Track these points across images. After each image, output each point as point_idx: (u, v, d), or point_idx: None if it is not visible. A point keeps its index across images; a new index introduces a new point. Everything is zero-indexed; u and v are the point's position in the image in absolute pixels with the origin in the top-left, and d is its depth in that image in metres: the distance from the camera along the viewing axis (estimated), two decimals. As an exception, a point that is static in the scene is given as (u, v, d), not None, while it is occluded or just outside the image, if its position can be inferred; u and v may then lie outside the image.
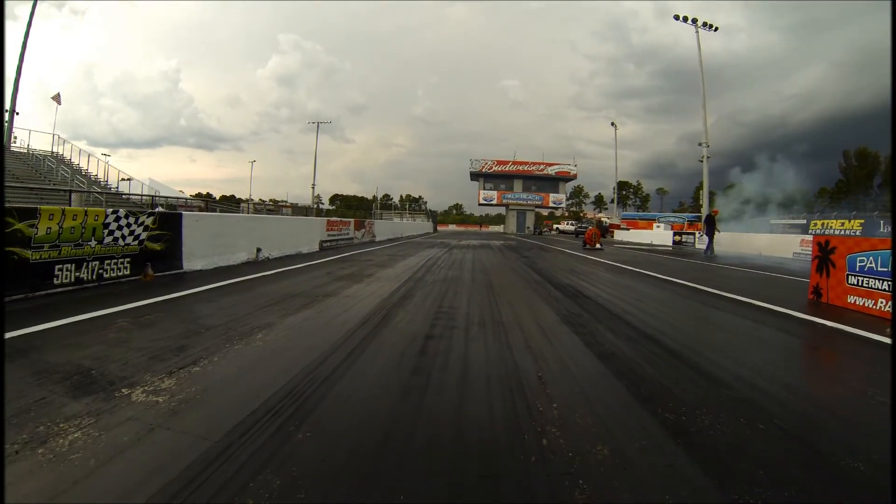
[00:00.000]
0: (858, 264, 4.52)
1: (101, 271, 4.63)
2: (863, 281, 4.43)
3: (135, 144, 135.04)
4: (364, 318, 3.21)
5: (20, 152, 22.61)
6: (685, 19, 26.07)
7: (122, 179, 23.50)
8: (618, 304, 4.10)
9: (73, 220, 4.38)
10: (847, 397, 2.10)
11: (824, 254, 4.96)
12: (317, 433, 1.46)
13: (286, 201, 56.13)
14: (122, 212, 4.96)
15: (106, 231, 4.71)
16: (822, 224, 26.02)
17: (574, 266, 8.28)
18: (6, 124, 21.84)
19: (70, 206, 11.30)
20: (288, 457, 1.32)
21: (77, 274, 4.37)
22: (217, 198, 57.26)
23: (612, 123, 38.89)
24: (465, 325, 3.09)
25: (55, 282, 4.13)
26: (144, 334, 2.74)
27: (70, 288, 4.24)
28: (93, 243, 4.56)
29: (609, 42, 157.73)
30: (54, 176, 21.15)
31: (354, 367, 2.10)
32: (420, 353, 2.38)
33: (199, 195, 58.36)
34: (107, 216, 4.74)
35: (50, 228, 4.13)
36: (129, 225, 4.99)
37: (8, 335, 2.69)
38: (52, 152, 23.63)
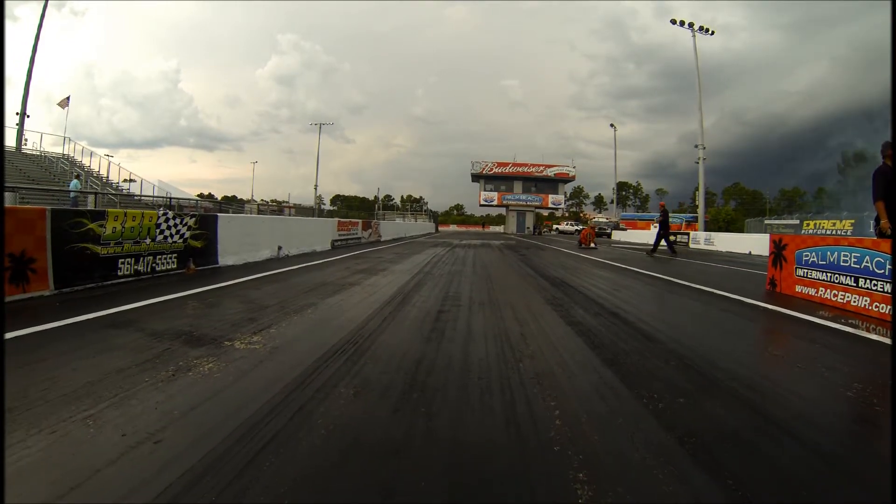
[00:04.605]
0: (804, 258, 5.27)
1: (154, 265, 5.39)
2: (808, 273, 5.18)
3: (135, 145, 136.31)
4: (388, 299, 4.01)
5: (34, 154, 23.35)
6: (682, 23, 26.66)
7: (132, 181, 24.18)
8: (595, 292, 4.89)
9: (133, 220, 5.15)
10: (750, 351, 2.87)
11: (778, 250, 5.72)
12: (373, 361, 2.24)
13: (288, 202, 56.84)
14: (170, 214, 5.74)
15: (158, 230, 5.48)
16: (815, 224, 26.75)
17: (566, 263, 9.06)
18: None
19: (88, 207, 12.08)
20: (358, 371, 2.10)
21: (136, 267, 5.13)
22: (219, 198, 57.90)
23: (612, 125, 39.77)
24: (468, 304, 3.90)
25: (118, 273, 4.88)
26: (216, 311, 3.51)
27: (131, 279, 4.99)
28: (148, 241, 5.33)
29: (608, 41, 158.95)
30: (68, 178, 21.90)
31: (389, 328, 2.90)
32: (435, 320, 3.19)
33: (200, 195, 59.14)
34: (158, 217, 5.52)
35: (115, 228, 4.89)
36: (175, 225, 5.76)
37: (107, 311, 3.43)
38: (64, 154, 24.36)
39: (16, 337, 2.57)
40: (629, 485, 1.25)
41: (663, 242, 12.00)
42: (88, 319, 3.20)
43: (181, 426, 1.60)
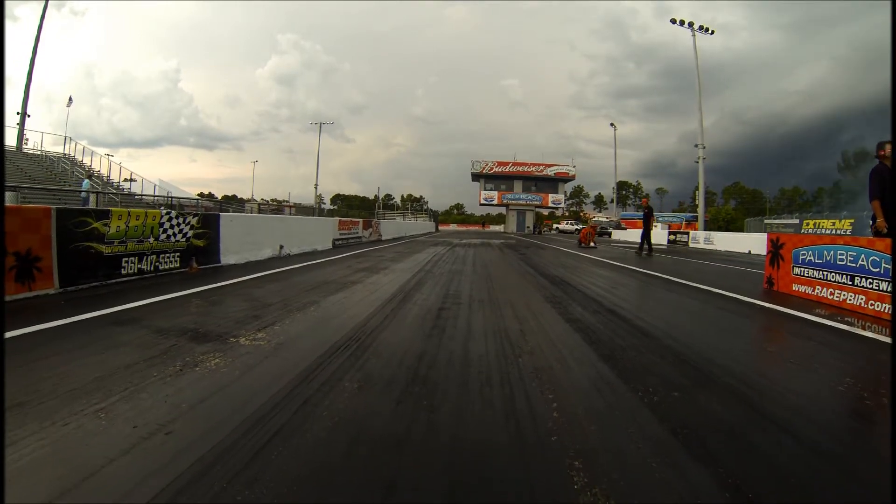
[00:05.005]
0: (801, 257, 5.32)
1: (157, 264, 5.44)
2: (804, 271, 5.23)
3: (135, 144, 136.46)
4: (389, 297, 4.06)
5: (35, 154, 23.39)
6: (682, 23, 26.65)
7: (132, 180, 24.21)
8: (593, 290, 4.94)
9: (137, 220, 5.19)
10: (745, 348, 2.91)
11: (775, 249, 5.76)
12: (375, 356, 2.29)
13: (288, 201, 56.89)
14: (173, 213, 5.79)
15: (161, 229, 5.52)
16: (814, 224, 26.79)
17: (565, 262, 9.11)
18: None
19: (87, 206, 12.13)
20: (361, 367, 2.15)
21: (139, 266, 5.17)
22: (219, 198, 57.92)
23: (612, 124, 39.81)
24: (469, 302, 3.95)
25: (122, 272, 4.93)
26: (220, 309, 3.55)
27: (134, 277, 5.03)
28: (151, 240, 5.37)
29: (608, 41, 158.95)
30: (69, 177, 21.94)
31: (391, 325, 2.95)
32: (436, 317, 3.24)
33: (201, 195, 59.14)
34: (162, 216, 5.57)
35: (119, 227, 4.93)
36: (178, 224, 5.81)
37: (112, 309, 3.47)
38: (65, 154, 24.41)
39: (23, 334, 2.62)
40: (623, 472, 1.30)
41: (665, 241, 12.06)
42: (94, 317, 3.24)
43: (190, 419, 1.64)
